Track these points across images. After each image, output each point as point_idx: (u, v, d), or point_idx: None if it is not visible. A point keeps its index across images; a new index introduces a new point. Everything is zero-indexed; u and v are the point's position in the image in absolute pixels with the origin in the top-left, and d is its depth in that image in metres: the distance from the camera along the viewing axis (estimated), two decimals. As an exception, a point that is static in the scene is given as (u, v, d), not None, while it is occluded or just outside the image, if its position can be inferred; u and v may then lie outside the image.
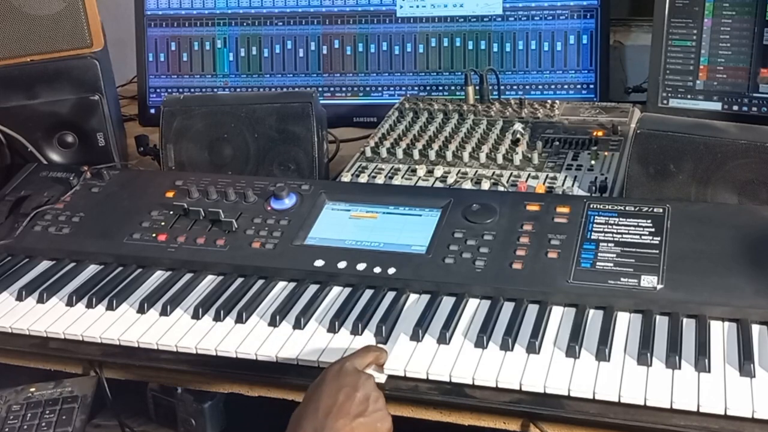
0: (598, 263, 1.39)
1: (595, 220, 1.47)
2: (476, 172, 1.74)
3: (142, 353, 1.40)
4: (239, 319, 1.40)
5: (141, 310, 1.45)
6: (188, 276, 1.54)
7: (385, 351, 1.28)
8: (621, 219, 1.47)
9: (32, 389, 1.72)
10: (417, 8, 2.31)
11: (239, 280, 1.51)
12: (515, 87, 2.26)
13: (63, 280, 1.56)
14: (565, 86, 2.25)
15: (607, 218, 1.48)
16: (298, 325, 1.38)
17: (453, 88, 2.30)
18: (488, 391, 1.23)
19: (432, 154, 1.82)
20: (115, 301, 1.47)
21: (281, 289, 1.48)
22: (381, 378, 1.25)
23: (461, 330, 1.33)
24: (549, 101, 2.05)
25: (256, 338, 1.36)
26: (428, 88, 2.31)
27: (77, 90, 1.89)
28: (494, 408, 1.24)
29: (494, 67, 2.18)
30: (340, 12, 2.34)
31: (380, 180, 1.75)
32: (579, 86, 2.25)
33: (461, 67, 2.28)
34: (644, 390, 1.17)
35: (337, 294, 1.46)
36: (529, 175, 1.72)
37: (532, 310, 1.36)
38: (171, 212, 1.65)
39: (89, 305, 1.48)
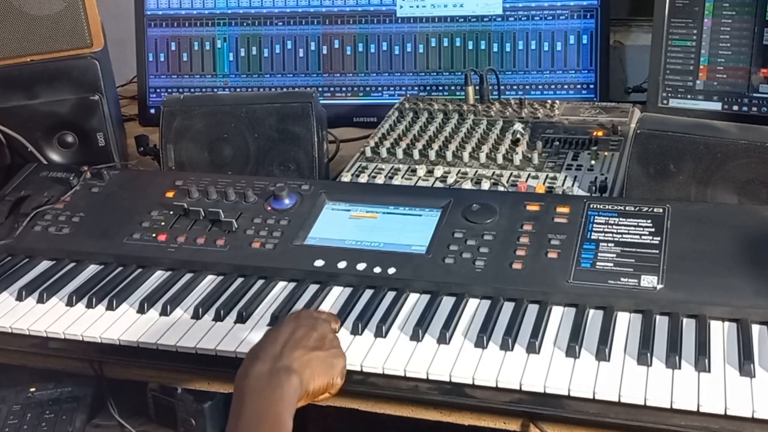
0: (598, 263, 1.39)
1: (595, 220, 1.47)
2: (476, 172, 1.74)
3: (142, 353, 1.40)
4: (239, 319, 1.40)
5: (141, 310, 1.45)
6: (188, 276, 1.54)
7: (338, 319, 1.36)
8: (621, 219, 1.47)
9: (32, 389, 1.72)
10: (417, 8, 2.30)
11: (239, 280, 1.51)
12: (515, 87, 2.26)
13: (63, 280, 1.56)
14: (565, 86, 2.25)
15: (607, 218, 1.48)
16: (298, 325, 1.38)
17: (453, 88, 2.30)
18: (488, 391, 1.23)
19: (432, 154, 1.82)
20: (115, 301, 1.47)
21: (281, 289, 1.48)
22: None
23: (461, 330, 1.33)
24: (549, 101, 2.05)
25: (256, 338, 1.35)
26: (428, 88, 2.31)
27: (77, 90, 1.89)
28: (494, 408, 1.24)
29: (494, 67, 2.17)
30: (340, 12, 2.34)
31: (380, 180, 1.75)
32: (579, 86, 2.25)
33: (461, 67, 2.28)
34: (644, 390, 1.17)
35: (337, 294, 1.46)
36: (529, 175, 1.72)
37: (532, 310, 1.36)
38: (171, 212, 1.65)
39: (89, 305, 1.48)
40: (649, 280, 1.35)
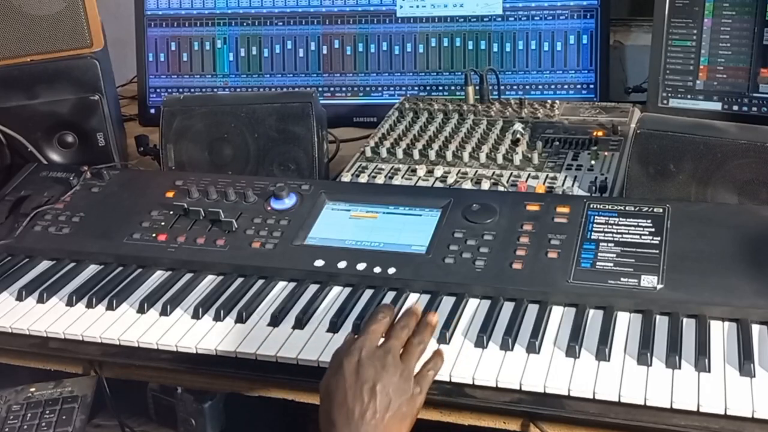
0: (598, 263, 1.39)
1: (595, 220, 1.47)
2: (476, 172, 1.74)
3: (142, 353, 1.40)
4: (239, 319, 1.40)
5: (141, 310, 1.45)
6: (188, 276, 1.54)
7: (388, 313, 1.24)
8: (621, 219, 1.47)
9: (32, 389, 1.72)
10: (417, 8, 2.30)
11: (239, 280, 1.51)
12: (515, 87, 2.26)
13: (63, 280, 1.56)
14: (565, 86, 2.25)
15: (607, 218, 1.48)
16: (298, 325, 1.38)
17: (453, 88, 2.30)
18: (488, 390, 1.23)
19: (432, 154, 1.82)
20: (115, 301, 1.47)
21: (281, 289, 1.48)
22: None
23: (461, 330, 1.33)
24: (549, 101, 2.05)
25: (256, 338, 1.36)
26: (428, 88, 2.31)
27: (77, 90, 1.89)
28: (494, 408, 1.24)
29: (494, 67, 2.17)
30: (340, 12, 2.34)
31: (380, 180, 1.75)
32: (579, 86, 2.25)
33: (461, 67, 2.28)
34: (644, 390, 1.17)
35: (337, 294, 1.46)
36: (529, 175, 1.72)
37: (532, 310, 1.36)
38: (171, 212, 1.65)
39: (89, 305, 1.48)
40: (649, 280, 1.35)
